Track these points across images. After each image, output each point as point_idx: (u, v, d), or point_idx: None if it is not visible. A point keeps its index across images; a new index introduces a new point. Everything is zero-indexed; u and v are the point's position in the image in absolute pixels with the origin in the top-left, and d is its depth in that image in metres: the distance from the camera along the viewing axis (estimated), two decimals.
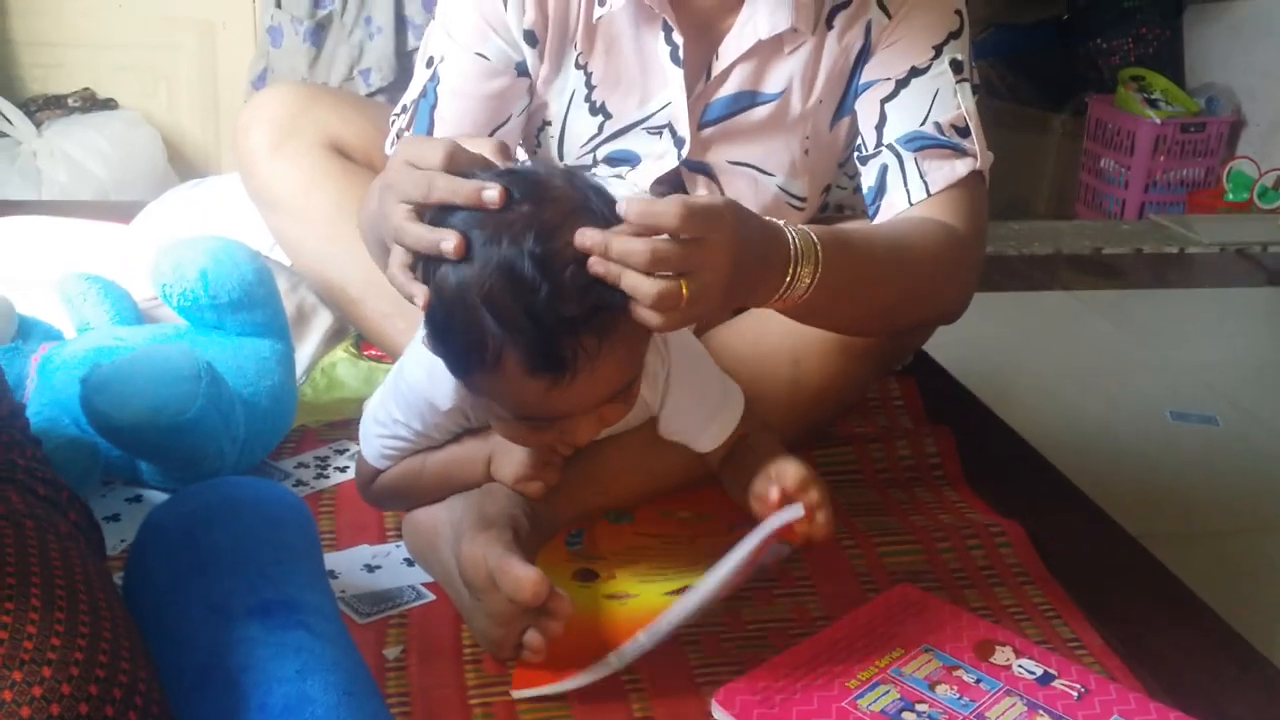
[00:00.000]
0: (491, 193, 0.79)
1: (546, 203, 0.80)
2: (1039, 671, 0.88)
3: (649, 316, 0.78)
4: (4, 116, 2.66)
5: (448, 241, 0.79)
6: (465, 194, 0.80)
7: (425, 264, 0.82)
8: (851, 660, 0.89)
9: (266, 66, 2.42)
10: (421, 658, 0.91)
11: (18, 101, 2.75)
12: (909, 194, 1.09)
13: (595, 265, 0.77)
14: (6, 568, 0.68)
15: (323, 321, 1.34)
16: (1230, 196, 3.38)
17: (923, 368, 1.42)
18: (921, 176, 1.08)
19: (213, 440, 1.05)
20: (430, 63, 1.14)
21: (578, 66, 1.12)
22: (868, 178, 1.12)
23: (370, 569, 1.01)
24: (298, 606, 0.81)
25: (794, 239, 0.89)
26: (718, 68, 1.10)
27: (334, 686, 0.76)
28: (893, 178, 1.10)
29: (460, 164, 0.84)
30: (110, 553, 0.93)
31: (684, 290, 0.78)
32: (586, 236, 0.77)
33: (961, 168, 1.09)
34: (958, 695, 0.85)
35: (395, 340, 1.23)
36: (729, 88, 1.12)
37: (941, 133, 1.09)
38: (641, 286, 0.77)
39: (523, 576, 0.84)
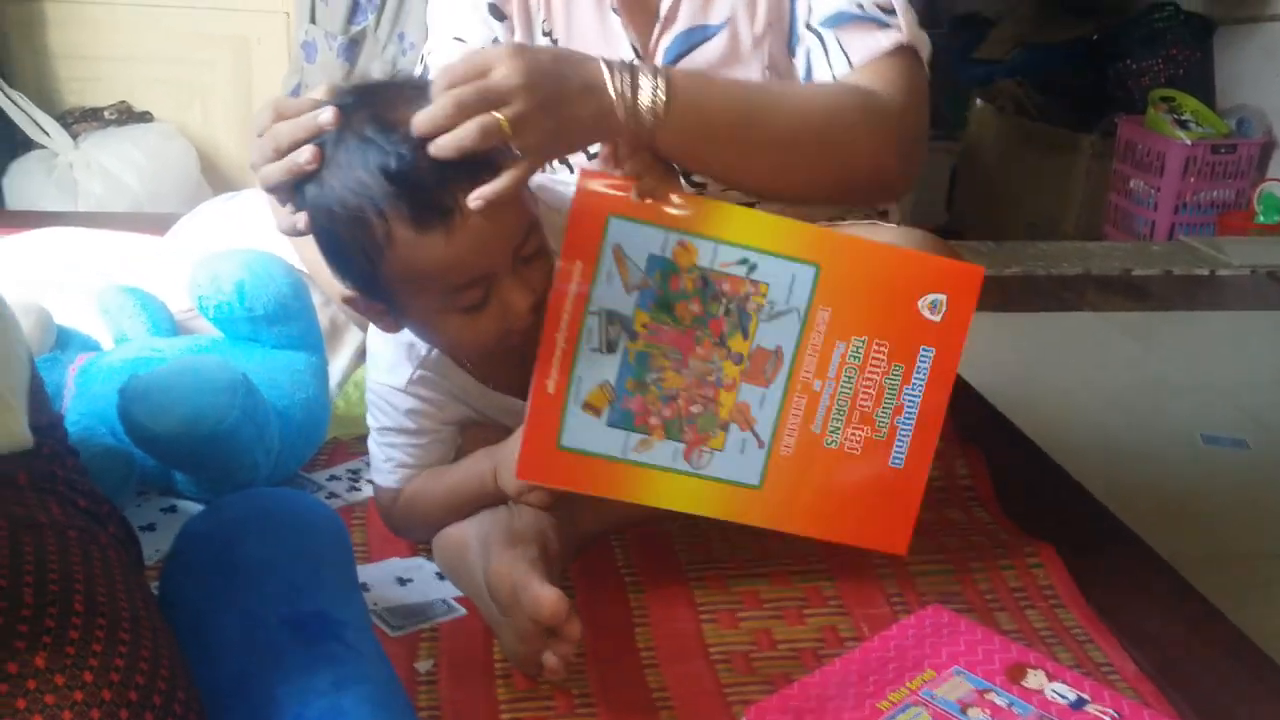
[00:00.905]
0: (325, 114, 0.86)
1: (376, 99, 0.87)
2: (1072, 696, 0.88)
3: (499, 182, 0.84)
4: (41, 128, 2.69)
5: (302, 155, 0.86)
6: (304, 127, 0.86)
7: (297, 194, 0.88)
8: (882, 681, 0.88)
9: (300, 81, 2.44)
10: (452, 672, 0.92)
11: (55, 114, 2.78)
12: (832, 70, 1.06)
13: (431, 149, 0.83)
14: (49, 575, 0.69)
15: (354, 336, 1.35)
16: (1261, 218, 3.36)
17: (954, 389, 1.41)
18: (842, 49, 1.06)
19: (247, 451, 1.06)
20: (422, 59, 1.17)
21: (544, 34, 1.13)
22: (799, 68, 1.10)
23: (402, 582, 1.02)
24: (332, 619, 0.82)
25: (606, 63, 0.91)
26: (664, 7, 1.10)
27: (368, 699, 0.76)
28: (816, 58, 1.07)
29: (290, 110, 0.89)
30: (146, 562, 0.93)
31: (503, 123, 0.84)
32: (415, 122, 0.83)
33: (885, 40, 1.05)
34: (990, 719, 0.85)
35: None
36: (679, 25, 1.11)
37: (863, 9, 1.06)
38: (466, 132, 0.83)
39: (542, 595, 0.86)
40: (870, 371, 0.97)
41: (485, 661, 0.93)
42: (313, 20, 2.40)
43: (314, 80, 2.43)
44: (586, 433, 0.95)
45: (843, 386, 0.97)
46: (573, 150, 0.99)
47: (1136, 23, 3.90)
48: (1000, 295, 2.72)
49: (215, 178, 2.88)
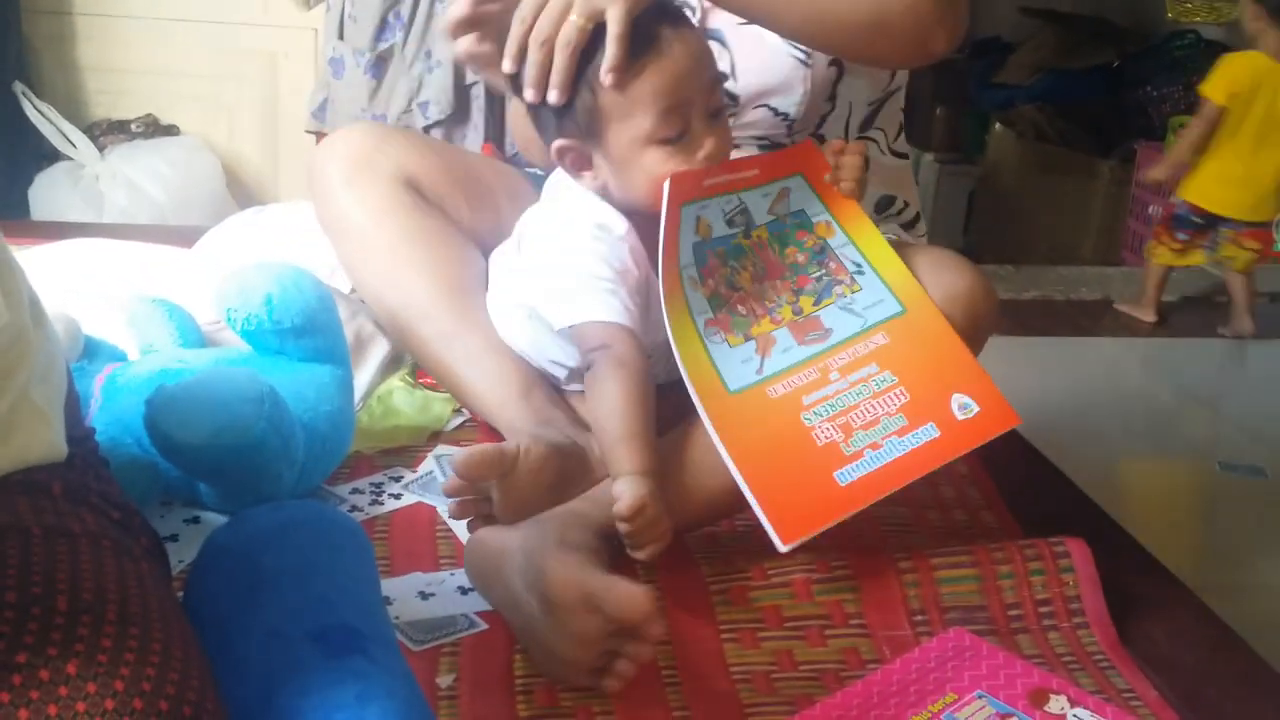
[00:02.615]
0: None
1: None
2: None
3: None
4: (68, 140, 2.73)
5: None
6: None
7: None
8: (904, 704, 0.88)
9: (327, 98, 2.46)
10: (473, 687, 0.92)
11: (82, 125, 2.82)
12: None
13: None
14: (83, 583, 0.70)
15: (380, 349, 1.36)
16: (1279, 246, 3.36)
17: None
18: None
19: (273, 463, 1.07)
20: None
21: None
22: None
23: (424, 596, 1.02)
24: (356, 632, 0.82)
25: None
26: None
27: (392, 713, 0.76)
28: None
29: None
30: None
31: None
32: None
33: None
34: None
35: (451, 364, 1.24)
36: None
37: None
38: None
39: (637, 592, 0.87)
40: (878, 402, 1.03)
41: (506, 677, 0.93)
42: (340, 37, 2.42)
43: (340, 97, 2.44)
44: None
45: (849, 393, 1.03)
46: None
47: (1157, 50, 3.92)
48: (1018, 319, 2.72)
49: (240, 191, 2.91)
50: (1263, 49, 2.84)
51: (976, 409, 1.04)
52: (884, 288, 1.09)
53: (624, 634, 0.88)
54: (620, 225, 1.10)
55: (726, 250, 1.09)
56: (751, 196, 1.10)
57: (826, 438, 1.01)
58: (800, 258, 1.10)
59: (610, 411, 1.02)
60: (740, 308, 1.07)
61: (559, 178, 1.16)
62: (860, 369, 1.04)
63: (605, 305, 1.06)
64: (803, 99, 1.23)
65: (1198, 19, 3.75)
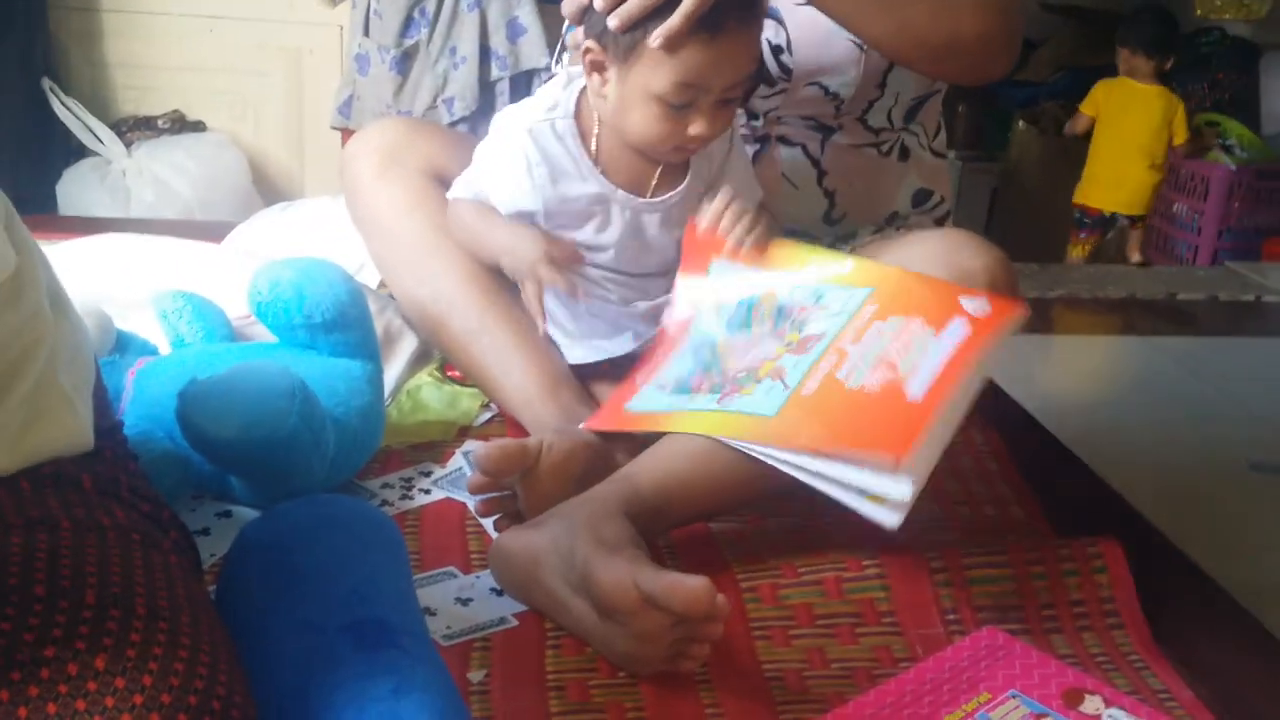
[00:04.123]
0: None
1: None
2: None
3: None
4: (96, 136, 2.74)
5: None
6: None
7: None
8: (937, 704, 0.88)
9: (352, 94, 2.47)
10: (505, 682, 0.92)
11: (109, 122, 2.83)
12: None
13: None
14: (112, 577, 0.70)
15: (409, 344, 1.36)
16: None
17: (1005, 413, 1.41)
18: None
19: (304, 458, 1.07)
20: None
21: None
22: None
23: (463, 602, 1.01)
24: (390, 626, 0.82)
25: None
26: None
27: (426, 707, 0.76)
28: None
29: None
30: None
31: None
32: None
33: None
34: None
35: (478, 359, 1.25)
36: None
37: None
38: None
39: (699, 587, 0.87)
40: (902, 334, 1.03)
41: (538, 673, 0.93)
42: (366, 33, 2.42)
43: (366, 93, 2.45)
44: (650, 401, 1.12)
45: (874, 345, 1.03)
46: None
47: (1182, 47, 3.88)
48: (1044, 318, 2.71)
49: (266, 188, 2.91)
50: (1135, 77, 3.43)
51: (988, 306, 1.04)
52: (847, 288, 1.09)
53: (688, 622, 0.88)
54: (540, 141, 1.16)
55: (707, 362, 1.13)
56: (701, 318, 1.15)
57: (879, 381, 1.00)
58: (767, 325, 1.11)
59: (469, 235, 1.21)
60: (739, 375, 1.08)
61: (502, 121, 1.22)
62: (869, 330, 1.05)
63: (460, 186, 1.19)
64: (854, 81, 1.24)
65: (1226, 16, 3.72)
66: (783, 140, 1.30)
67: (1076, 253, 3.53)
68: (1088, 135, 3.54)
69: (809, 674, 0.94)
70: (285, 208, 1.70)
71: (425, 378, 1.35)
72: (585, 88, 1.16)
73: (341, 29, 2.83)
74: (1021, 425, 1.43)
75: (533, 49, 2.38)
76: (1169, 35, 3.45)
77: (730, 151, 1.22)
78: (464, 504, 1.15)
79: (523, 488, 1.06)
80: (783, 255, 1.14)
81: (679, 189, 1.19)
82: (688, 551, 1.09)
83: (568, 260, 1.17)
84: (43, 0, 2.78)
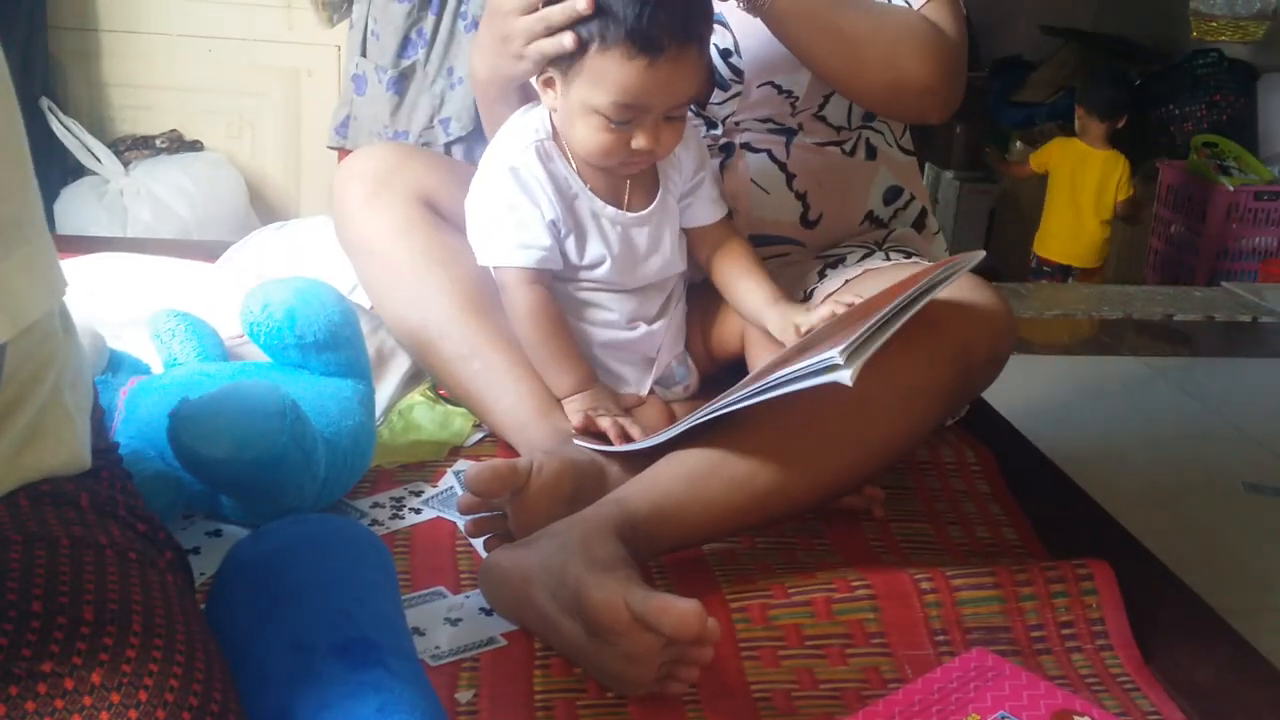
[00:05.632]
0: (580, 2, 1.05)
1: None
2: None
3: None
4: (93, 155, 2.75)
5: (566, 39, 1.08)
6: (562, 15, 1.06)
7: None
8: None
9: (349, 114, 2.48)
10: (493, 703, 0.92)
11: (107, 141, 2.84)
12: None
13: None
14: (109, 594, 0.70)
15: (401, 364, 1.36)
16: None
17: (998, 433, 1.41)
18: None
19: (295, 477, 1.07)
20: None
21: None
22: None
23: (452, 622, 1.00)
24: (377, 646, 0.82)
25: None
26: None
27: None
28: None
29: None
30: None
31: None
32: None
33: None
34: None
35: (469, 384, 1.25)
36: None
37: None
38: None
39: (690, 610, 0.87)
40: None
41: (525, 693, 0.93)
42: (363, 54, 2.44)
43: (363, 113, 2.46)
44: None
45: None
46: None
47: (1180, 69, 3.90)
48: (1040, 338, 2.71)
49: (263, 207, 2.92)
50: (1086, 139, 3.58)
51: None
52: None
53: (678, 644, 0.88)
54: (532, 165, 1.16)
55: None
56: None
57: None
58: None
59: (530, 345, 1.19)
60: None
61: (492, 156, 1.22)
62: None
63: (510, 250, 1.17)
64: (806, 75, 1.26)
65: (1223, 38, 3.73)
66: (747, 147, 1.31)
67: None
68: (1028, 179, 3.79)
69: (798, 694, 0.94)
70: (280, 227, 1.71)
71: (418, 397, 1.35)
72: None
73: (339, 49, 2.84)
74: (1014, 445, 1.43)
75: None
76: (1120, 97, 3.60)
77: (703, 164, 1.24)
78: (454, 523, 1.15)
79: (513, 508, 1.06)
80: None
81: (655, 202, 1.20)
82: (677, 570, 1.09)
83: (618, 411, 1.19)
84: (41, 20, 2.80)
